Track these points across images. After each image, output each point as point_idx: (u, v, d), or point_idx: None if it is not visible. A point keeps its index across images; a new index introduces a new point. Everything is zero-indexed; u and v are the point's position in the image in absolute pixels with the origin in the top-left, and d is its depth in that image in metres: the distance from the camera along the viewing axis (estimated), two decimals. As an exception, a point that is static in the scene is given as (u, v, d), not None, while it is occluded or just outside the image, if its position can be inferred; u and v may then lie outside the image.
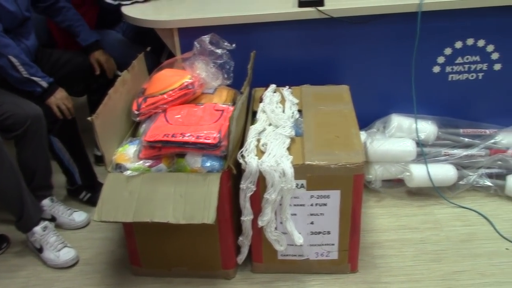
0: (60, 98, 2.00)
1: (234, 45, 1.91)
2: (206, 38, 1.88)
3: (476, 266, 1.84)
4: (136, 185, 1.65)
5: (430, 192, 2.18)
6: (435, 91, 2.26)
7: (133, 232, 1.80)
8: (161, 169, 1.70)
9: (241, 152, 1.69)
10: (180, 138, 1.66)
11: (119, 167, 1.71)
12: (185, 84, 1.86)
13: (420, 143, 2.17)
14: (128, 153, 1.73)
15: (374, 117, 2.29)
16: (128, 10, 2.24)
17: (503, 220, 2.04)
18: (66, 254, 1.97)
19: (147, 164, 1.69)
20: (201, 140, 1.65)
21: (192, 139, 1.65)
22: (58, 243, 1.99)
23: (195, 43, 1.90)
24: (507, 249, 1.91)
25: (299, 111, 1.94)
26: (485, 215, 2.07)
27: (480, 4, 2.06)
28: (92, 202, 2.21)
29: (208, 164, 1.67)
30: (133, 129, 1.91)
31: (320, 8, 2.06)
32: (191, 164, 1.68)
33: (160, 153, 1.70)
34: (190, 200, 1.60)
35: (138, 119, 1.86)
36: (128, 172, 1.68)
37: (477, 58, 2.21)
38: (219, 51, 1.88)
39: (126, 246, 1.87)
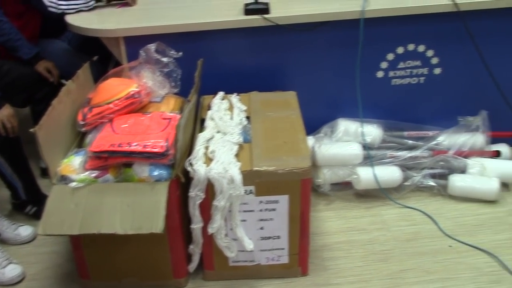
0: (6, 115, 1.94)
1: (180, 53, 1.91)
2: (152, 46, 1.87)
3: (421, 264, 1.91)
4: (82, 196, 1.62)
5: (377, 194, 2.24)
6: (379, 96, 2.34)
7: (81, 245, 1.77)
8: (108, 180, 1.68)
9: (189, 160, 1.69)
10: (127, 147, 1.64)
11: (64, 179, 1.67)
12: (132, 93, 1.84)
13: (366, 146, 2.23)
14: (73, 164, 1.70)
15: (321, 122, 2.34)
16: (73, 19, 2.21)
17: (446, 219, 2.12)
18: (12, 271, 1.91)
19: (93, 175, 1.67)
20: (148, 149, 1.64)
21: (139, 149, 1.64)
22: (3, 259, 1.92)
23: (141, 51, 1.89)
24: (450, 246, 1.99)
25: (248, 117, 1.96)
26: (429, 214, 2.14)
27: (419, 11, 2.15)
28: (38, 216, 2.12)
29: (156, 173, 1.66)
30: (79, 140, 1.88)
31: (265, 15, 2.09)
32: (139, 173, 1.67)
33: (106, 164, 1.67)
34: (138, 210, 1.59)
35: (84, 129, 1.83)
36: (74, 184, 1.65)
37: (418, 62, 2.29)
38: (165, 59, 1.88)
39: (74, 259, 1.83)
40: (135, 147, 1.64)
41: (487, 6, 2.14)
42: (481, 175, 2.21)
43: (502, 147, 2.35)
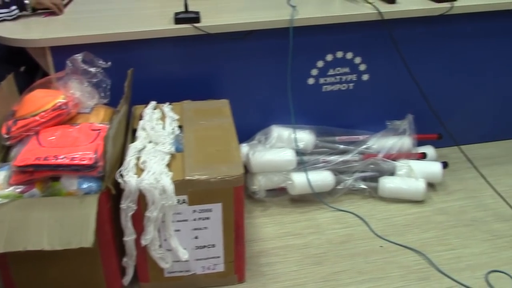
0: None
1: (109, 63, 1.88)
2: (79, 56, 1.83)
3: (354, 265, 1.96)
4: (6, 213, 1.55)
5: (312, 198, 2.28)
6: (311, 102, 2.39)
7: (7, 263, 1.70)
8: (35, 195, 1.62)
9: (120, 171, 1.66)
10: (53, 161, 1.59)
11: (-13, 196, 1.61)
12: (58, 104, 1.79)
13: (299, 152, 2.27)
14: (-3, 180, 1.63)
15: (255, 129, 2.36)
16: (-5, 29, 2.12)
17: (377, 220, 2.19)
18: None
19: (19, 190, 1.60)
20: (76, 162, 1.60)
21: (66, 161, 1.59)
22: None
23: (67, 62, 1.84)
24: (381, 246, 2.05)
25: (180, 127, 1.95)
26: (361, 216, 2.21)
27: (346, 20, 2.22)
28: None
29: (85, 186, 1.62)
30: (3, 154, 1.80)
31: (196, 24, 2.09)
32: (67, 187, 1.62)
33: (32, 178, 1.62)
34: (66, 225, 1.54)
35: (8, 143, 1.76)
36: (-3, 200, 1.58)
37: (347, 69, 2.37)
38: (93, 69, 1.84)
39: (1, 279, 1.75)
40: (62, 160, 1.60)
41: (409, 15, 2.24)
42: (408, 177, 2.30)
43: (428, 149, 2.46)
